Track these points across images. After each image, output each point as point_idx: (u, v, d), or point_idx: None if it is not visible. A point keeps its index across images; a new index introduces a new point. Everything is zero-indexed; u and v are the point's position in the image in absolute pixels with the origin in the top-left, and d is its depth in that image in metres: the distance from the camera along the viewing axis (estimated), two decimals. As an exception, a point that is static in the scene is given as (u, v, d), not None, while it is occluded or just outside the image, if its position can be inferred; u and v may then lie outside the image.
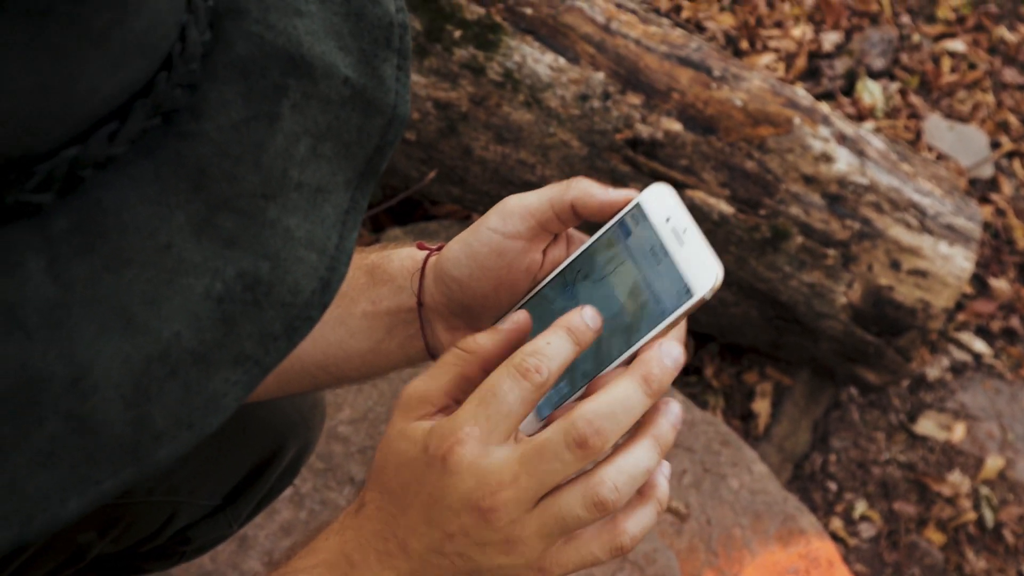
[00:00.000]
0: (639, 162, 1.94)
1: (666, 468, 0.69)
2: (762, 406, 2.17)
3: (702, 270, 0.67)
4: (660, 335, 0.68)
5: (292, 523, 1.68)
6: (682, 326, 0.71)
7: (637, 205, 0.73)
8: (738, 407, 2.20)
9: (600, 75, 1.92)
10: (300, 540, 0.74)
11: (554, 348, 0.66)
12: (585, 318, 0.68)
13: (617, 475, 0.64)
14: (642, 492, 0.67)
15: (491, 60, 1.89)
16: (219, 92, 0.46)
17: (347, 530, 0.70)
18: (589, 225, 0.77)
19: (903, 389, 2.28)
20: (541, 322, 0.72)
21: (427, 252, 0.83)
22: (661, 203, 0.72)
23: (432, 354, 0.84)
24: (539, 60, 1.90)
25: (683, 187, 1.95)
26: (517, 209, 0.76)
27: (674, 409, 0.67)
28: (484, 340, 0.70)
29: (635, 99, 1.93)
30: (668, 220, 0.70)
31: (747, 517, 1.82)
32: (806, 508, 1.86)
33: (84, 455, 0.41)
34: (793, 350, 2.15)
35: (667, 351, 0.66)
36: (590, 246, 0.75)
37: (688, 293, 0.67)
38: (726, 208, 1.96)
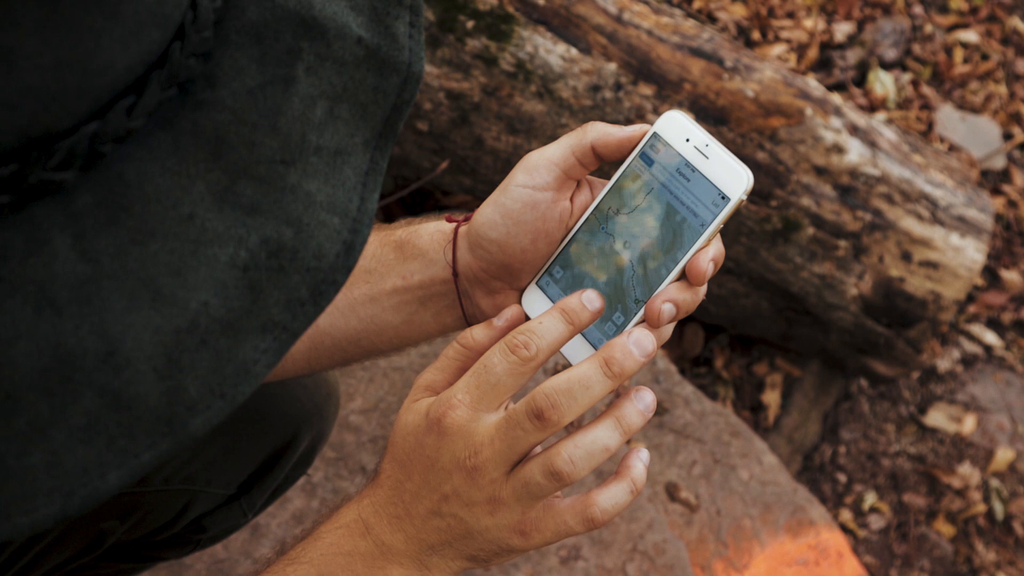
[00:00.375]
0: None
1: (644, 454, 0.73)
2: (772, 397, 2.17)
3: (732, 175, 0.73)
4: (705, 245, 0.73)
5: (304, 512, 1.69)
6: (717, 241, 0.76)
7: (654, 134, 0.77)
8: (748, 398, 2.21)
9: (612, 66, 1.92)
10: (326, 510, 0.80)
11: (545, 327, 0.71)
12: (584, 300, 0.73)
13: (574, 449, 0.69)
14: (618, 472, 0.72)
15: (503, 51, 1.89)
16: (233, 58, 0.45)
17: (364, 498, 0.76)
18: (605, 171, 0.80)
19: (913, 381, 2.28)
20: (582, 264, 0.78)
21: (456, 223, 0.85)
22: (678, 127, 0.76)
23: (470, 322, 0.87)
24: (551, 51, 1.90)
25: (694, 178, 1.95)
26: (541, 162, 0.79)
27: (645, 397, 0.71)
28: (480, 335, 0.76)
29: (647, 89, 1.93)
30: (688, 140, 0.75)
31: (757, 508, 1.82)
32: (816, 499, 1.86)
33: (121, 429, 0.41)
34: (803, 341, 2.15)
35: (637, 339, 0.70)
36: (616, 182, 0.79)
37: (724, 199, 0.73)
38: (737, 199, 1.96)
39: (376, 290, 0.88)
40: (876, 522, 2.11)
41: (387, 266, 0.88)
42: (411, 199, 2.14)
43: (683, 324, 2.22)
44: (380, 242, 0.89)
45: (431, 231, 0.86)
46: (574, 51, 1.91)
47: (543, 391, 0.69)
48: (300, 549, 0.77)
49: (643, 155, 0.78)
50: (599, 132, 0.79)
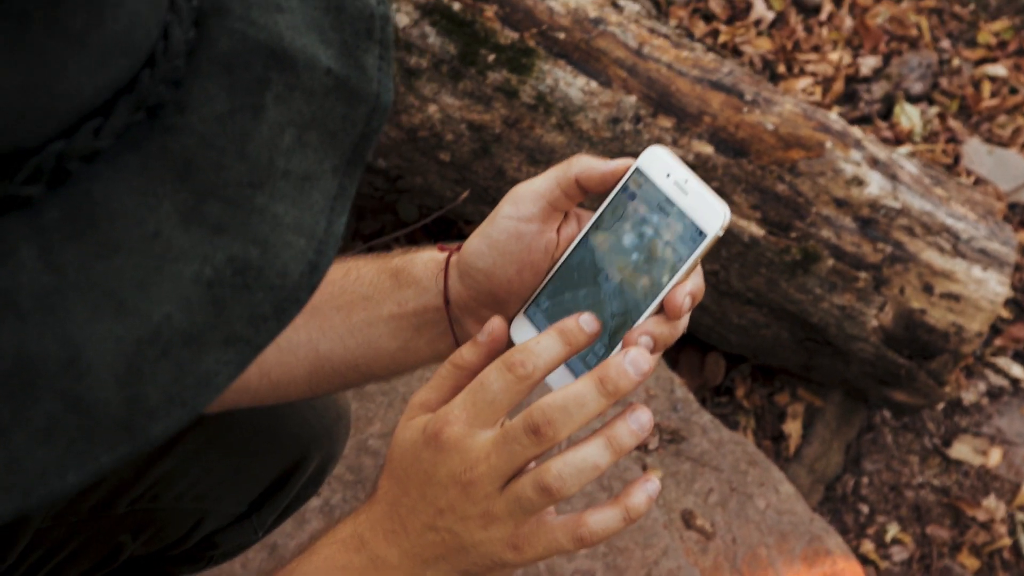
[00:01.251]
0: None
1: (651, 487, 0.74)
2: (793, 427, 2.18)
3: (709, 211, 0.75)
4: (682, 279, 0.76)
5: (322, 534, 1.71)
6: (699, 271, 0.78)
7: (637, 170, 0.79)
8: (769, 428, 2.21)
9: (632, 98, 1.95)
10: (323, 527, 0.84)
11: (542, 347, 0.73)
12: (580, 322, 0.75)
13: (563, 466, 0.70)
14: (617, 497, 0.74)
15: (524, 83, 1.93)
16: (203, 87, 0.47)
17: (361, 514, 0.78)
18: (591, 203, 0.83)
19: (938, 413, 2.28)
20: (568, 293, 0.81)
21: (448, 252, 0.88)
22: (659, 162, 0.78)
23: None
24: (571, 84, 1.94)
25: (714, 209, 1.97)
26: (527, 194, 0.82)
27: (640, 416, 0.73)
28: (468, 353, 0.78)
29: (666, 122, 1.96)
30: (668, 175, 0.77)
31: (773, 537, 1.83)
32: (833, 529, 1.86)
33: (81, 432, 0.43)
34: (825, 372, 2.16)
35: (632, 359, 0.72)
36: (600, 215, 0.81)
37: (701, 235, 0.75)
38: (756, 230, 1.97)
39: (373, 316, 0.91)
40: (899, 554, 2.10)
41: (384, 293, 0.91)
42: (434, 227, 2.18)
43: (704, 353, 2.24)
44: (378, 270, 0.92)
45: (425, 260, 0.90)
46: (594, 84, 1.94)
47: (539, 407, 0.71)
48: (296, 563, 0.79)
49: (625, 189, 0.80)
50: (583, 165, 0.81)
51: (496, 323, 0.79)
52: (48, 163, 0.42)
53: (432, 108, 1.94)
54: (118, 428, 0.43)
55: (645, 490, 0.74)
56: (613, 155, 1.95)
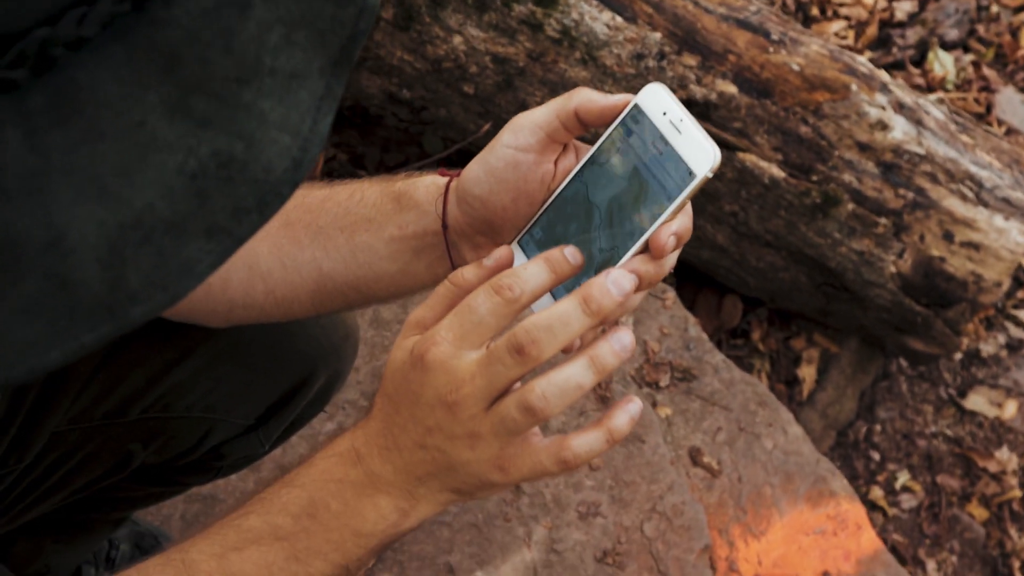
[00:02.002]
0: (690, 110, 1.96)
1: (633, 407, 0.75)
2: (808, 372, 2.18)
3: (700, 153, 0.74)
4: (670, 218, 0.76)
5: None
6: (688, 209, 0.78)
7: (635, 106, 0.79)
8: (783, 372, 2.22)
9: (657, 35, 1.94)
10: (323, 440, 0.85)
11: (530, 273, 0.74)
12: (566, 253, 0.75)
13: (547, 385, 0.71)
14: (599, 419, 0.75)
15: (549, 17, 1.93)
16: None
17: (358, 430, 0.80)
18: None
19: (955, 363, 2.27)
20: (560, 225, 0.82)
21: (448, 177, 0.89)
22: (657, 100, 0.78)
23: None
24: (596, 18, 1.93)
25: (735, 149, 1.97)
26: (527, 124, 0.82)
27: (623, 337, 0.73)
28: (470, 274, 0.78)
29: (691, 60, 1.95)
30: (665, 114, 0.77)
31: (778, 477, 1.84)
32: (839, 472, 1.88)
33: (64, 311, 0.44)
34: (842, 318, 2.16)
35: (614, 279, 0.72)
36: (597, 149, 0.81)
37: (691, 175, 0.75)
38: (777, 172, 1.97)
39: (375, 238, 0.93)
40: (908, 501, 2.11)
41: (386, 216, 0.92)
42: (458, 160, 2.19)
43: (722, 295, 2.24)
44: (381, 192, 0.94)
45: (427, 184, 0.90)
46: (619, 19, 1.93)
47: (523, 327, 0.72)
48: (295, 473, 0.81)
49: (623, 124, 0.80)
50: (583, 98, 0.81)
51: (504, 251, 0.80)
52: (32, 48, 0.43)
53: (457, 40, 1.94)
54: (100, 309, 0.45)
55: (627, 411, 0.75)
56: (637, 91, 1.94)
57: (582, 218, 0.81)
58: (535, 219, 0.84)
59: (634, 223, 0.78)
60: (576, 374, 0.72)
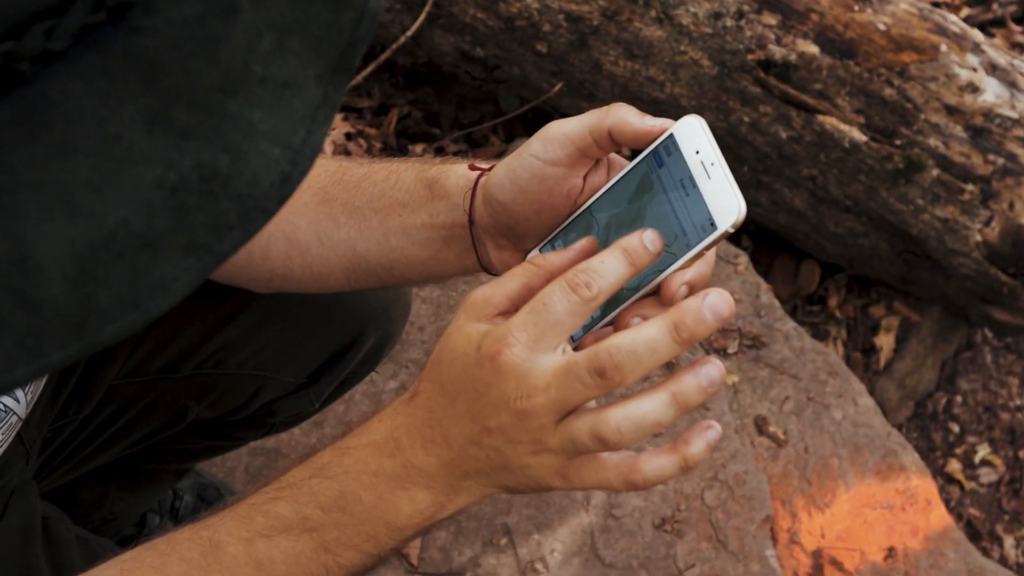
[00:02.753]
0: (770, 84, 1.91)
1: (711, 434, 0.70)
2: (886, 340, 2.13)
3: (726, 204, 0.70)
4: (684, 266, 0.72)
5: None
6: (709, 258, 0.74)
7: (671, 136, 0.74)
8: (860, 340, 2.17)
9: (736, -7, 1.89)
10: (356, 421, 0.82)
11: (607, 267, 0.70)
12: (645, 240, 0.70)
13: (623, 419, 0.67)
14: (675, 444, 0.70)
15: (624, -26, 1.89)
16: None
17: (399, 415, 0.76)
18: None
19: (1044, 335, 2.19)
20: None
21: (479, 172, 0.87)
22: (693, 135, 0.73)
23: (485, 268, 0.89)
24: (673, -24, 1.89)
25: (815, 112, 1.91)
26: (557, 136, 0.78)
27: (710, 371, 0.67)
28: (553, 258, 0.74)
29: (771, 19, 1.90)
30: (698, 153, 0.72)
31: (846, 449, 1.80)
32: (910, 446, 1.83)
33: (29, 329, 0.43)
34: (923, 286, 2.09)
35: (711, 303, 0.67)
36: (626, 174, 0.77)
37: (712, 226, 0.70)
38: (858, 136, 1.91)
39: (407, 223, 0.92)
40: (987, 475, 2.05)
41: (418, 202, 0.91)
42: (533, 118, 2.18)
43: (800, 261, 2.19)
44: (415, 178, 0.92)
45: (458, 175, 0.89)
46: (697, -23, 1.89)
47: (607, 350, 0.67)
48: (327, 459, 0.78)
49: (656, 153, 0.75)
50: (619, 118, 0.76)
51: (589, 242, 0.76)
52: None
53: (531, -3, 1.92)
54: (69, 327, 0.44)
55: (705, 438, 0.70)
56: (714, 53, 1.90)
57: (604, 241, 0.76)
58: (557, 232, 0.81)
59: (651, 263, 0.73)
60: (654, 410, 0.67)
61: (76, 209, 0.43)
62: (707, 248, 0.71)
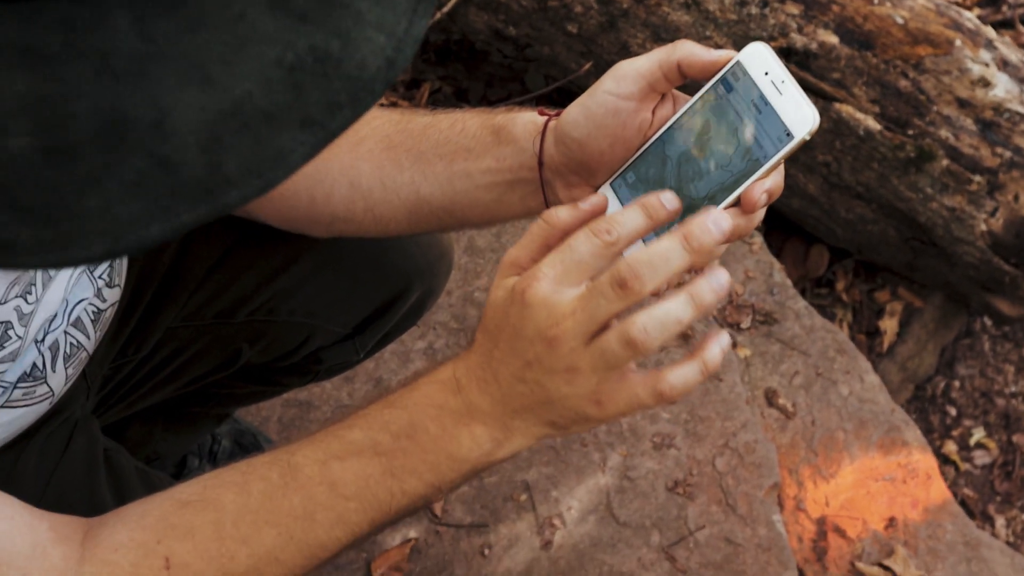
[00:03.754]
0: (790, 71, 1.98)
1: (724, 340, 0.77)
2: (890, 324, 2.21)
3: (800, 115, 0.76)
4: (763, 175, 0.78)
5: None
6: (781, 168, 0.81)
7: (737, 63, 0.80)
8: (865, 323, 2.25)
9: (761, -17, 1.96)
10: (426, 365, 0.89)
11: (627, 218, 0.77)
12: (663, 199, 0.77)
13: (648, 319, 0.73)
14: (693, 352, 0.77)
15: (655, -40, 1.96)
16: None
17: (459, 361, 0.83)
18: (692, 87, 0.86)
19: (1041, 325, 2.27)
20: (654, 172, 0.84)
21: (547, 117, 0.93)
22: (760, 59, 0.79)
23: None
24: (702, -37, 1.96)
25: (832, 100, 1.98)
26: (630, 72, 0.85)
27: (720, 276, 0.75)
28: (564, 214, 0.81)
29: (794, 8, 1.97)
30: (767, 74, 0.78)
31: (852, 423, 1.88)
32: (913, 423, 1.91)
33: (166, 189, 0.46)
34: (928, 273, 2.17)
35: (715, 219, 0.74)
36: (696, 102, 0.83)
37: (789, 135, 0.77)
38: (873, 125, 1.98)
39: (472, 167, 0.97)
40: (981, 457, 2.14)
41: (484, 147, 0.96)
42: (558, 97, 2.25)
43: (810, 244, 2.27)
44: (481, 124, 0.97)
45: (525, 120, 0.94)
46: (725, -34, 1.96)
47: (626, 262, 0.73)
48: (398, 395, 0.84)
49: (724, 80, 0.81)
50: (687, 51, 0.82)
51: (599, 198, 0.82)
52: None
53: (564, -21, 1.99)
54: (199, 190, 0.47)
55: (719, 343, 0.77)
56: (738, 39, 1.97)
57: (675, 168, 0.83)
58: (629, 163, 0.86)
59: (728, 176, 0.80)
60: (676, 309, 0.73)
61: (207, 80, 0.46)
62: (785, 157, 0.78)
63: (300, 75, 0.48)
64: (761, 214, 0.84)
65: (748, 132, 0.79)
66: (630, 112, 0.85)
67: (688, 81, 0.84)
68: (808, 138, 0.77)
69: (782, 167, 0.80)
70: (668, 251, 0.73)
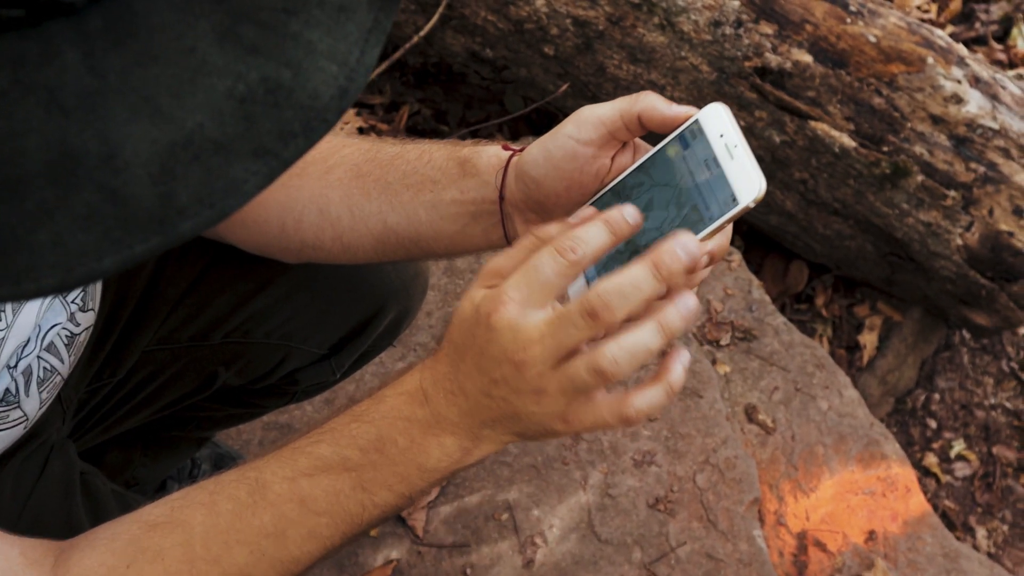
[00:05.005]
0: (765, 90, 2.00)
1: (684, 357, 0.78)
2: (869, 339, 2.22)
3: (748, 182, 0.77)
4: (707, 237, 0.79)
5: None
6: (727, 231, 0.82)
7: (696, 121, 0.81)
8: (845, 338, 2.26)
9: (735, 3, 1.98)
10: (392, 374, 0.89)
11: (591, 234, 0.77)
12: (624, 213, 0.78)
13: (617, 350, 0.73)
14: (657, 374, 0.78)
15: (630, -18, 1.98)
16: None
17: (425, 370, 0.83)
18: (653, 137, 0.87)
19: (1019, 337, 2.29)
20: None
21: (510, 152, 0.95)
22: (718, 120, 0.80)
23: (510, 242, 0.97)
24: (676, -15, 1.98)
25: (807, 118, 2.00)
26: (591, 118, 0.86)
27: (687, 301, 0.76)
28: (554, 229, 0.81)
29: (768, 28, 1.99)
30: (722, 136, 0.79)
31: (831, 437, 1.89)
32: (891, 436, 1.92)
33: (117, 221, 0.46)
34: (906, 287, 2.19)
35: (681, 243, 0.75)
36: (652, 155, 0.85)
37: (734, 201, 0.77)
38: (848, 142, 2.00)
39: (437, 199, 0.98)
40: (961, 469, 2.14)
41: (449, 179, 0.98)
42: (537, 119, 2.26)
43: (789, 260, 2.29)
44: (447, 157, 0.99)
45: (490, 155, 0.96)
46: (698, -14, 1.98)
47: (595, 292, 0.73)
48: (364, 407, 0.85)
49: (682, 137, 0.82)
50: (649, 103, 0.83)
51: (589, 211, 0.83)
52: None
53: (540, 2, 2.01)
54: (151, 222, 0.47)
55: (680, 361, 0.78)
56: (712, 58, 1.99)
57: None
58: (586, 206, 0.87)
59: (675, 231, 0.79)
60: (645, 338, 0.74)
61: (158, 113, 0.46)
62: (728, 221, 0.78)
63: (251, 106, 0.48)
64: (704, 273, 0.84)
65: (697, 191, 0.80)
66: (588, 158, 0.86)
67: (646, 133, 0.86)
68: (753, 205, 0.77)
69: (729, 229, 0.81)
70: (638, 279, 0.74)
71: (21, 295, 0.46)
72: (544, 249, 0.77)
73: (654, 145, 0.86)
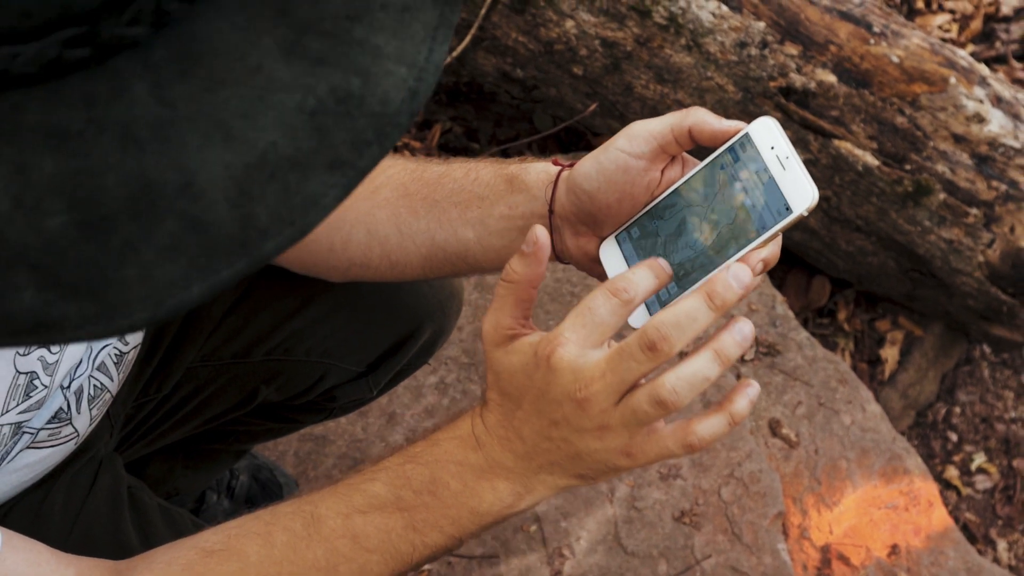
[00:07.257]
0: (790, 110, 2.04)
1: (751, 391, 0.80)
2: (891, 353, 2.25)
3: (801, 191, 0.79)
4: (760, 246, 0.81)
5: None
6: (778, 240, 0.84)
7: (746, 135, 0.84)
8: (867, 352, 2.29)
9: (761, 24, 2.02)
10: (444, 418, 0.93)
11: (639, 277, 0.80)
12: (661, 264, 0.82)
13: (676, 380, 0.75)
14: (721, 404, 0.80)
15: (657, 3, 2.02)
16: None
17: (476, 417, 0.86)
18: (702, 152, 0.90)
19: (1041, 353, 2.31)
20: (656, 232, 0.88)
21: (560, 167, 0.97)
22: (767, 134, 0.83)
23: (559, 257, 1.00)
24: (703, 6, 2.02)
25: (831, 137, 2.04)
26: (643, 132, 0.89)
27: (743, 328, 0.78)
28: (517, 266, 0.83)
29: (792, 49, 2.03)
30: (772, 148, 0.82)
31: (854, 452, 1.93)
32: (914, 451, 1.95)
33: (201, 249, 0.47)
34: (927, 303, 2.22)
35: (735, 273, 0.78)
36: (703, 167, 0.86)
37: (788, 210, 0.80)
38: (871, 160, 2.04)
39: (486, 215, 1.01)
40: (982, 482, 2.17)
41: (497, 195, 1.00)
42: (565, 137, 2.31)
43: (811, 276, 2.32)
44: (495, 173, 1.02)
45: (539, 170, 0.98)
46: (725, 8, 2.02)
47: (653, 325, 0.75)
48: (419, 449, 0.86)
49: (732, 150, 0.84)
50: (699, 118, 0.86)
51: (540, 232, 0.84)
52: (148, 5, 0.44)
53: (569, 23, 2.05)
54: (235, 245, 0.47)
55: (746, 395, 0.79)
56: (738, 78, 2.03)
57: (678, 227, 0.87)
58: (635, 219, 0.91)
59: (727, 242, 0.83)
60: (703, 367, 0.75)
61: (230, 136, 0.46)
62: (783, 229, 0.81)
63: (323, 118, 0.48)
64: (757, 281, 0.86)
65: (749, 202, 0.82)
66: (640, 170, 0.89)
67: (697, 146, 0.88)
68: (806, 214, 0.80)
69: (780, 237, 0.83)
70: (694, 310, 0.76)
71: (115, 331, 0.47)
72: (598, 291, 0.80)
73: (701, 160, 0.89)
